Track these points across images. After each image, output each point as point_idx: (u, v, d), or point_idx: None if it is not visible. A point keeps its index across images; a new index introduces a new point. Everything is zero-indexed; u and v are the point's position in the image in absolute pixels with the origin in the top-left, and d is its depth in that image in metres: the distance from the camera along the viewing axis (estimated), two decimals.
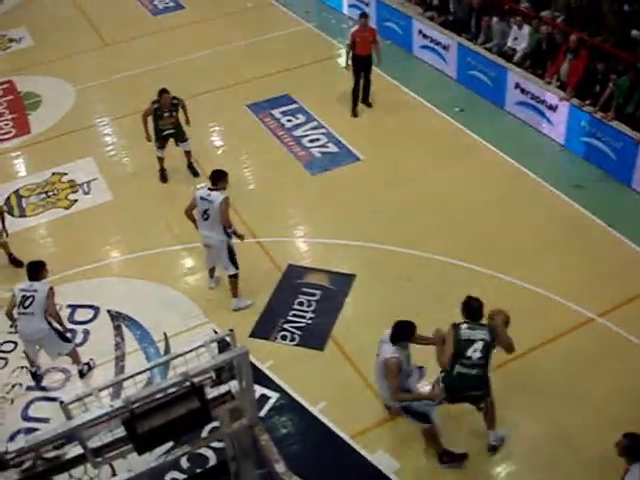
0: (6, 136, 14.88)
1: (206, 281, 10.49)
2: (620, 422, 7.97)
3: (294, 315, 9.93)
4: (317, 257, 10.98)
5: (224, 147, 13.96)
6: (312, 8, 19.19)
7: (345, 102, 14.42)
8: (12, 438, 8.44)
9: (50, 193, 12.88)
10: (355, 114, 14.32)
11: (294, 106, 14.79)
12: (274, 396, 8.79)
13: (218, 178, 9.69)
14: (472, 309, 7.55)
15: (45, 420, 8.69)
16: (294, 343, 9.54)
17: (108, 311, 10.24)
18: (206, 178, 10.69)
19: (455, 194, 11.93)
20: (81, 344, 9.73)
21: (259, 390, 8.62)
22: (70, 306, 10.31)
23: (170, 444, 5.57)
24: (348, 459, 7.92)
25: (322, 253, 11.08)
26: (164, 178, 12.88)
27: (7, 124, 15.29)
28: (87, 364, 9.32)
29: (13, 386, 9.27)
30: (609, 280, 10.06)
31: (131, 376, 5.14)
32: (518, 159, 12.68)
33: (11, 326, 9.18)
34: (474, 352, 7.26)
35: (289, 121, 14.35)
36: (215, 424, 5.83)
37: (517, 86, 13.79)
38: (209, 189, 9.58)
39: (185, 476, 7.58)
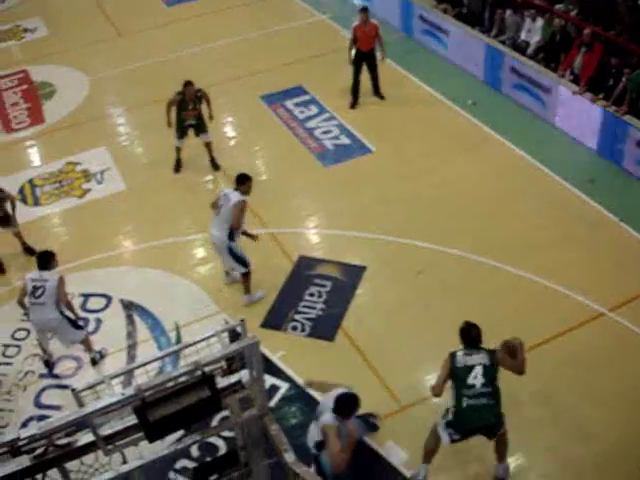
0: (20, 125, 14.94)
1: (222, 277, 10.51)
2: (631, 418, 8.03)
3: (305, 306, 9.96)
4: (328, 248, 11.00)
5: (237, 138, 13.98)
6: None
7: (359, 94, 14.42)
8: (24, 425, 8.52)
9: (64, 182, 12.95)
10: (353, 107, 14.30)
11: (307, 97, 14.79)
12: (284, 386, 8.83)
13: (239, 181, 9.62)
14: (469, 335, 7.18)
15: (57, 407, 8.76)
16: (305, 334, 9.57)
17: (120, 300, 10.31)
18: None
19: (466, 186, 11.92)
20: (93, 333, 9.80)
21: (269, 380, 8.67)
22: (82, 295, 10.38)
23: (181, 432, 5.62)
24: (357, 450, 7.89)
25: (333, 244, 11.10)
26: (178, 168, 12.89)
27: (22, 113, 15.35)
28: (99, 352, 9.39)
29: (26, 373, 9.35)
30: (620, 275, 10.04)
31: (143, 364, 5.20)
32: (530, 152, 12.64)
33: (24, 314, 9.24)
34: (475, 379, 6.92)
35: (302, 112, 14.35)
36: (225, 413, 5.88)
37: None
38: (234, 189, 9.56)
39: (195, 464, 7.63)
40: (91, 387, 4.94)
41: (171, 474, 7.81)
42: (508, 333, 9.17)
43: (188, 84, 12.09)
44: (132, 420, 5.10)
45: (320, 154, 13.11)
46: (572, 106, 12.91)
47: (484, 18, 15.50)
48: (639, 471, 7.49)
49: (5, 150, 14.17)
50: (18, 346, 9.73)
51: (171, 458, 7.55)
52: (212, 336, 5.22)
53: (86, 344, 9.25)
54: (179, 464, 7.89)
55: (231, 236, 9.48)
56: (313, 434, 7.17)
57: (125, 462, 5.61)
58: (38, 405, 8.94)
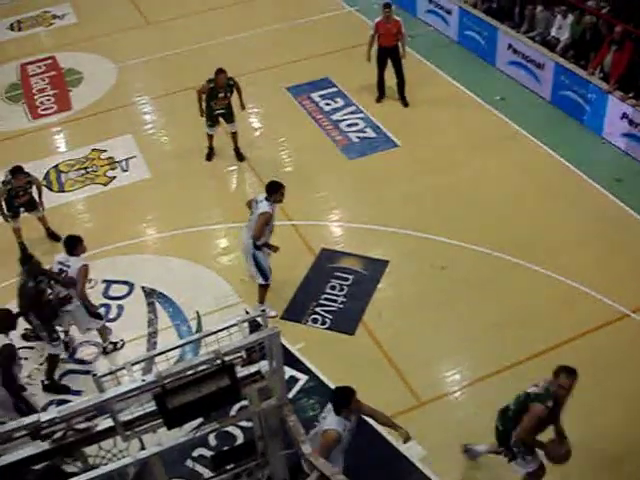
0: (48, 111, 15.05)
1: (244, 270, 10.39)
2: None
3: (326, 299, 9.95)
4: (351, 242, 10.98)
5: (262, 129, 13.98)
6: None
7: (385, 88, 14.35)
8: (44, 409, 8.56)
9: (89, 169, 13.02)
10: (379, 101, 14.26)
11: (333, 90, 14.75)
12: (303, 378, 8.83)
13: (269, 190, 9.18)
14: None
15: (78, 392, 8.82)
16: (325, 327, 9.56)
17: (142, 288, 10.35)
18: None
19: (491, 183, 11.85)
20: (115, 319, 9.88)
21: (288, 372, 8.63)
22: (105, 281, 10.45)
23: (199, 420, 5.63)
24: (374, 444, 7.93)
25: (356, 238, 11.07)
26: (210, 157, 12.90)
27: (49, 99, 15.46)
28: (114, 343, 9.42)
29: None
30: None
31: (164, 352, 5.21)
32: (557, 150, 12.53)
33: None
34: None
35: (327, 105, 14.32)
36: (244, 403, 5.89)
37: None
38: (265, 198, 9.17)
39: (212, 453, 7.65)
40: (112, 373, 4.96)
41: (189, 462, 7.84)
42: (530, 331, 9.19)
43: (220, 71, 12.03)
44: (151, 407, 5.12)
45: (345, 147, 13.07)
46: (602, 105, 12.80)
47: (514, 13, 15.37)
48: None
49: (31, 136, 14.26)
50: None
51: (189, 446, 7.57)
52: (233, 325, 5.22)
53: (102, 333, 9.29)
54: (197, 452, 7.91)
55: (255, 245, 9.23)
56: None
57: (143, 448, 5.61)
58: None
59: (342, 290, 10.07)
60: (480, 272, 10.15)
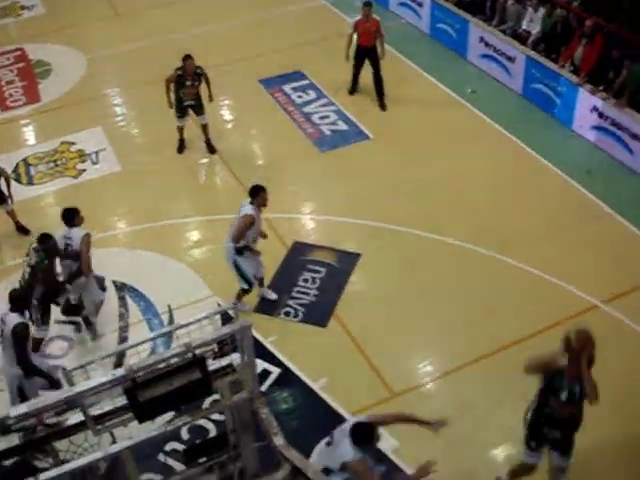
0: (16, 104, 14.85)
1: None
2: (625, 412, 8.01)
3: (298, 292, 9.94)
4: (323, 235, 10.98)
5: (234, 121, 13.92)
6: None
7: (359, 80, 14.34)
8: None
9: (58, 162, 12.88)
10: (352, 93, 14.25)
11: (305, 82, 14.73)
12: (276, 371, 8.82)
13: (251, 194, 8.97)
14: None
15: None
16: (297, 319, 9.56)
17: (113, 282, 10.25)
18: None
19: (462, 176, 11.89)
20: None
21: (261, 365, 8.64)
22: None
23: (171, 414, 5.61)
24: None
25: (328, 231, 11.07)
26: (181, 149, 12.82)
27: (17, 91, 15.25)
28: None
29: None
30: (616, 267, 10.04)
31: (134, 345, 5.20)
32: (528, 142, 12.62)
33: None
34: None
35: (300, 97, 14.29)
36: (216, 396, 5.86)
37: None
38: (249, 202, 8.95)
39: (184, 447, 7.62)
40: (82, 367, 4.92)
41: (161, 456, 7.80)
42: (501, 323, 9.26)
43: (187, 57, 11.90)
44: (122, 401, 5.09)
45: (317, 139, 13.06)
46: (572, 98, 12.90)
47: (486, 6, 15.42)
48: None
49: (0, 128, 14.08)
50: None
51: (161, 440, 7.53)
52: (204, 318, 5.20)
53: (98, 306, 9.35)
54: (169, 446, 7.88)
55: (239, 250, 9.00)
56: (324, 457, 6.52)
57: (114, 442, 5.58)
58: None
59: (314, 283, 10.07)
60: (451, 264, 10.20)
